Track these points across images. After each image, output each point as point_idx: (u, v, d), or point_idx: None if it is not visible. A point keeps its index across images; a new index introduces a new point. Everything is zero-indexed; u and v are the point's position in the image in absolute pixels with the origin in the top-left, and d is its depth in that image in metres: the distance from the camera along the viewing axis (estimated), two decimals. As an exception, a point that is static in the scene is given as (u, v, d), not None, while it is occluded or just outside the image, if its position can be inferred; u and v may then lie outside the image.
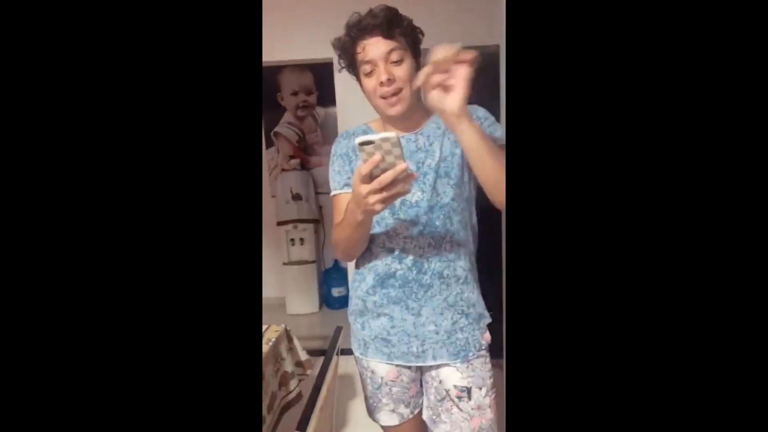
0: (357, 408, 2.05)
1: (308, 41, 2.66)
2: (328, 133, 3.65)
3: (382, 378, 1.05)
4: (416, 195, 0.96)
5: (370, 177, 0.72)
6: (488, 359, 1.04)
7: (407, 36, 0.92)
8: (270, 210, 3.60)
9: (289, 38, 2.95)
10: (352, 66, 0.96)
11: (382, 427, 1.12)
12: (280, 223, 3.52)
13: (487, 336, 1.04)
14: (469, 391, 1.00)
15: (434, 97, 0.74)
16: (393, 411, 1.07)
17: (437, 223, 0.96)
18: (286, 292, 3.57)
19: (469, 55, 0.69)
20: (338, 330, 1.12)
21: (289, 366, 1.62)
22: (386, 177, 0.72)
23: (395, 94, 0.91)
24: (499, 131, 0.97)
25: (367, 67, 0.91)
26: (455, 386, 1.01)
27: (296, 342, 1.70)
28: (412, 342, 1.00)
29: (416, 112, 0.97)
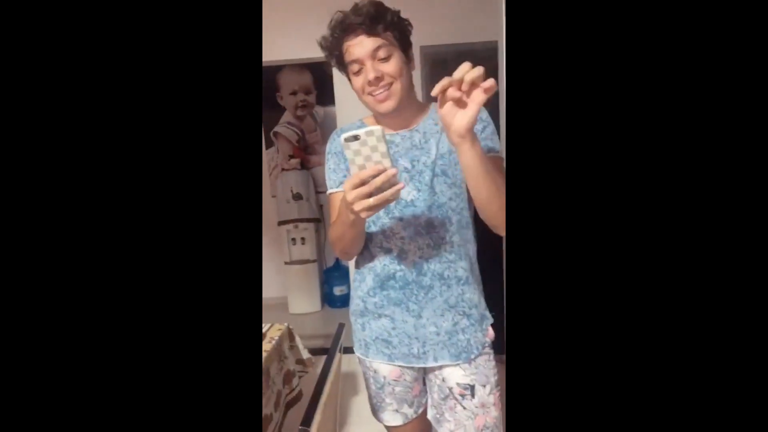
0: (360, 405, 2.05)
1: (307, 40, 2.67)
2: (328, 132, 3.62)
3: (384, 378, 1.05)
4: (411, 194, 0.94)
5: (360, 183, 0.72)
6: (492, 356, 1.03)
7: (394, 30, 0.89)
8: (271, 210, 3.60)
9: (287, 38, 2.95)
10: (341, 65, 0.94)
11: (387, 427, 1.12)
12: (281, 223, 3.53)
13: (491, 333, 1.04)
14: (472, 388, 1.00)
15: (446, 110, 0.73)
16: (397, 411, 1.07)
17: (435, 223, 0.95)
18: (287, 291, 3.58)
19: (489, 83, 0.69)
20: (341, 326, 1.12)
21: (291, 364, 1.63)
22: (375, 183, 0.72)
23: (385, 90, 0.89)
24: (496, 140, 0.96)
25: (354, 66, 0.90)
26: (458, 384, 1.00)
27: (298, 340, 1.70)
28: (413, 343, 0.99)
29: (409, 107, 0.95)
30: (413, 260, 0.96)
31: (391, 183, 0.73)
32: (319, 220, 3.63)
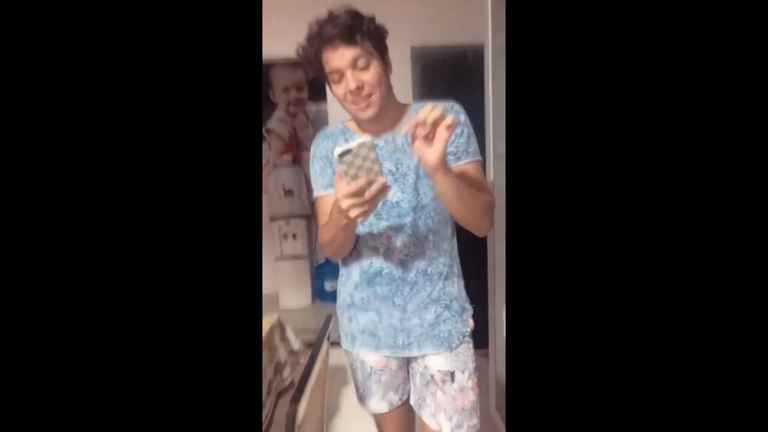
0: (349, 395, 2.09)
1: (299, 38, 2.67)
2: (320, 129, 3.66)
3: (371, 367, 1.09)
4: (396, 195, 0.99)
5: (355, 193, 0.77)
6: (471, 344, 1.09)
7: (371, 38, 0.90)
8: (263, 206, 3.61)
9: (280, 35, 2.96)
10: (320, 74, 0.96)
11: (373, 415, 1.16)
12: (272, 219, 3.54)
13: (471, 323, 1.10)
14: (452, 374, 1.05)
15: (417, 146, 0.79)
16: (383, 398, 1.11)
17: (419, 223, 1.00)
18: (279, 287, 3.58)
19: (449, 120, 0.76)
20: (329, 317, 1.17)
21: (282, 355, 1.67)
22: (370, 192, 0.76)
23: (366, 99, 0.91)
24: (474, 144, 1.00)
25: (335, 76, 0.91)
26: (440, 371, 1.05)
27: (289, 332, 1.74)
28: (399, 335, 1.04)
29: (390, 111, 0.98)
30: (399, 258, 1.01)
31: (381, 191, 0.78)
32: (310, 216, 3.65)
